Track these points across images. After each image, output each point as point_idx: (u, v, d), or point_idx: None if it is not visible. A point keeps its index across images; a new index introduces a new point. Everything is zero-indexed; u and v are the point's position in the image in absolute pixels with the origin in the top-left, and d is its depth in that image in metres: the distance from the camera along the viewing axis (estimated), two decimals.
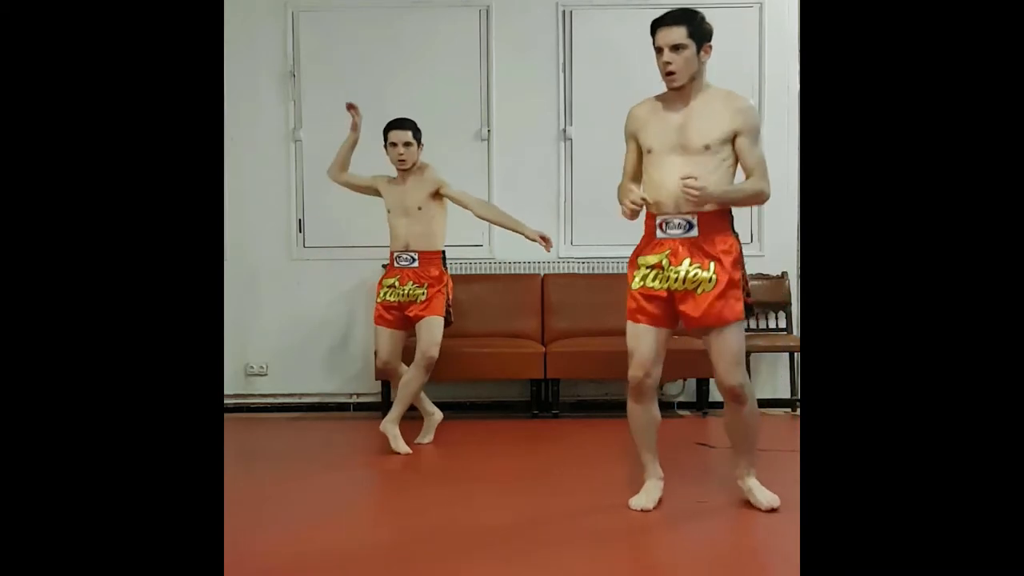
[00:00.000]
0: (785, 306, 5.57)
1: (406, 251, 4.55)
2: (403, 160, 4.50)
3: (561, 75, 5.81)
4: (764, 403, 5.29)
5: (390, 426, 4.45)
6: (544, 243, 4.37)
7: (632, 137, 3.29)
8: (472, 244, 5.71)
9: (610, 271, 5.79)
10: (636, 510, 3.27)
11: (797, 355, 5.57)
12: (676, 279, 3.13)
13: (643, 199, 3.13)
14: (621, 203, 3.17)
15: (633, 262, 3.26)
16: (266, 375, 5.87)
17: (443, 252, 4.61)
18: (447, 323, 4.58)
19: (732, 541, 3.08)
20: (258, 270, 5.84)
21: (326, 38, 5.82)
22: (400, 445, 4.42)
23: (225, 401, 5.48)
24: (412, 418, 4.70)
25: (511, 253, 5.81)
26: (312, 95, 5.82)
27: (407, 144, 4.50)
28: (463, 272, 5.72)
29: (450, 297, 4.59)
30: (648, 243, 3.23)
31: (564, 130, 5.81)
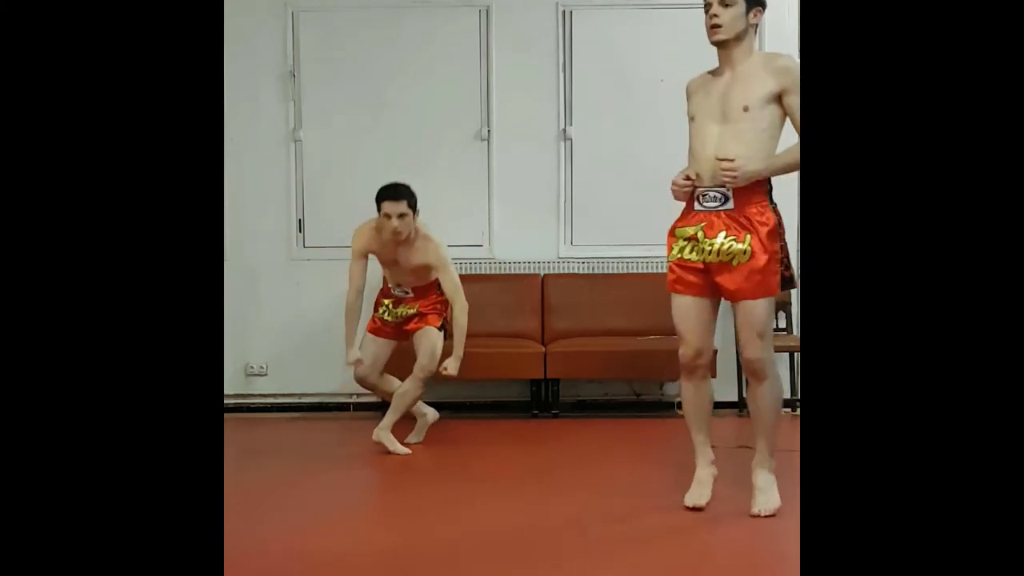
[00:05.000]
0: (785, 306, 5.57)
1: (399, 287, 4.52)
2: (399, 232, 4.25)
3: (561, 75, 5.81)
4: None
5: (383, 433, 4.41)
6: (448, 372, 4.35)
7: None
8: (472, 244, 5.71)
9: (610, 271, 5.79)
10: (689, 507, 3.24)
11: (797, 355, 5.56)
12: (711, 251, 3.09)
13: (687, 176, 3.13)
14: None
15: (671, 233, 3.23)
16: (266, 375, 5.87)
17: (437, 282, 4.49)
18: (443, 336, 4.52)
19: (732, 541, 3.08)
20: (258, 270, 5.84)
21: (326, 38, 5.81)
22: (397, 448, 4.41)
23: (225, 401, 5.47)
24: (404, 418, 4.69)
25: (511, 253, 5.82)
26: (312, 95, 5.82)
27: (401, 215, 4.23)
28: (463, 272, 5.70)
29: (447, 315, 4.51)
30: (686, 214, 3.20)
31: (564, 130, 5.81)
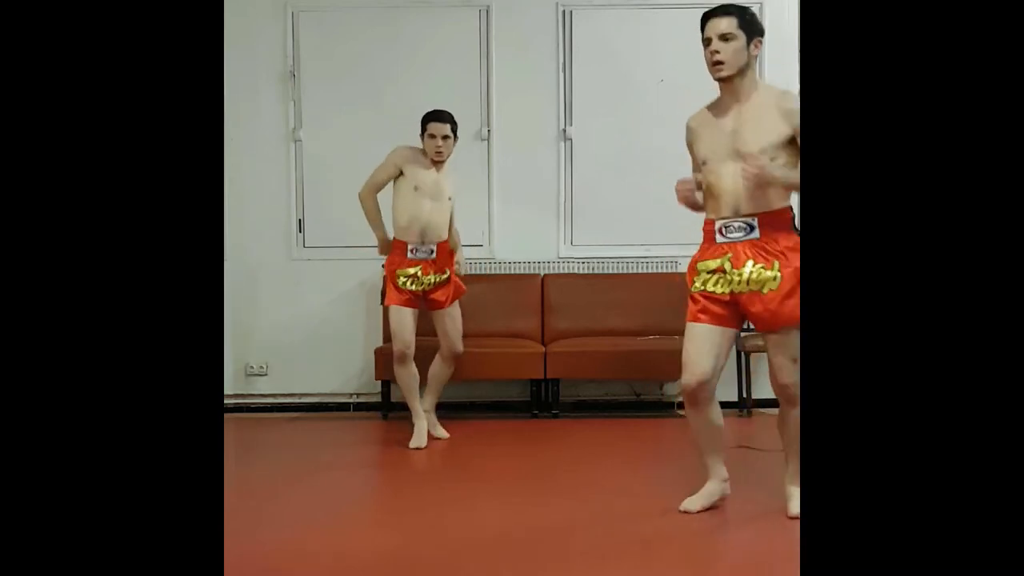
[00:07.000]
0: None
1: (423, 244, 4.54)
2: (440, 152, 4.52)
3: (561, 75, 5.81)
4: (764, 403, 5.31)
5: (430, 417, 4.71)
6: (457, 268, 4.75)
7: (690, 148, 3.22)
8: (472, 244, 5.71)
9: (610, 271, 5.80)
10: (680, 510, 3.21)
11: None
12: (740, 281, 3.03)
13: (698, 182, 3.10)
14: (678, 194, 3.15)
15: (692, 268, 3.16)
16: (266, 375, 5.87)
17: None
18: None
19: (731, 540, 3.08)
20: (258, 270, 5.84)
21: (326, 38, 5.82)
22: (440, 431, 4.74)
23: (225, 401, 5.48)
24: (405, 421, 4.71)
25: (511, 253, 5.82)
26: (312, 95, 5.82)
27: (445, 137, 4.51)
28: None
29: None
30: (708, 248, 3.13)
31: (564, 130, 5.82)
